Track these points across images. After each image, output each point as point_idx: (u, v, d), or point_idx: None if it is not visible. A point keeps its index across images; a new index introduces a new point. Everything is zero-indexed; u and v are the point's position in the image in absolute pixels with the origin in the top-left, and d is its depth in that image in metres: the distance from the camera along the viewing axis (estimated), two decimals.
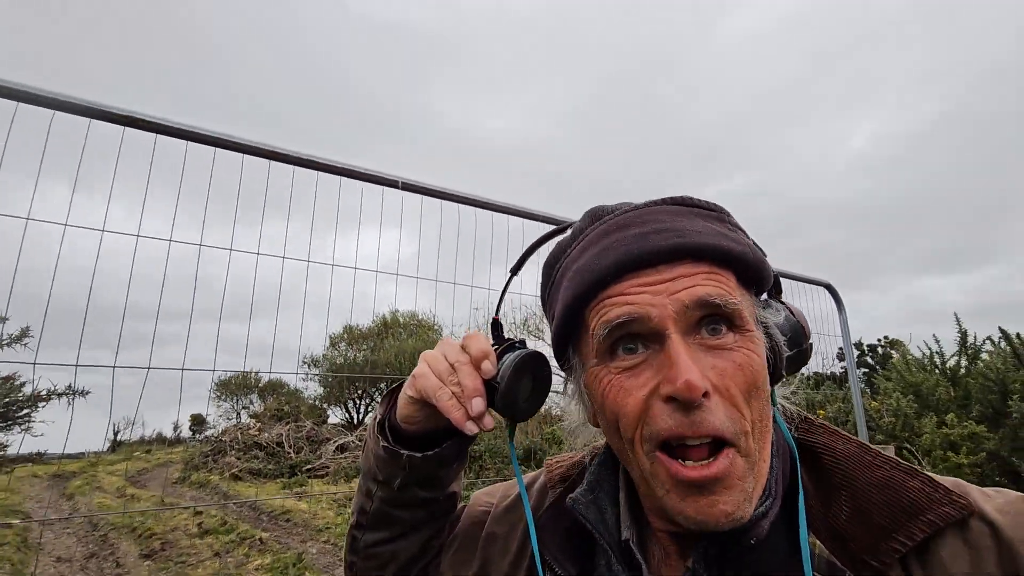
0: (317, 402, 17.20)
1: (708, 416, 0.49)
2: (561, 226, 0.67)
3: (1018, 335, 4.32)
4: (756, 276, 0.57)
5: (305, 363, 16.82)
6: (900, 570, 0.48)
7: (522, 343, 0.66)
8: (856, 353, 11.01)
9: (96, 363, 1.50)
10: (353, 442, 12.28)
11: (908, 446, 3.36)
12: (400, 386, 0.69)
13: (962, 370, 4.10)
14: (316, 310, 2.08)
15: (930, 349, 4.38)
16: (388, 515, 0.70)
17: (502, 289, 0.74)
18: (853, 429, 3.15)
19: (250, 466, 11.09)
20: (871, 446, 0.58)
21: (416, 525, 0.72)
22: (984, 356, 4.41)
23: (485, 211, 2.16)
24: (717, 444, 0.50)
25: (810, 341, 0.63)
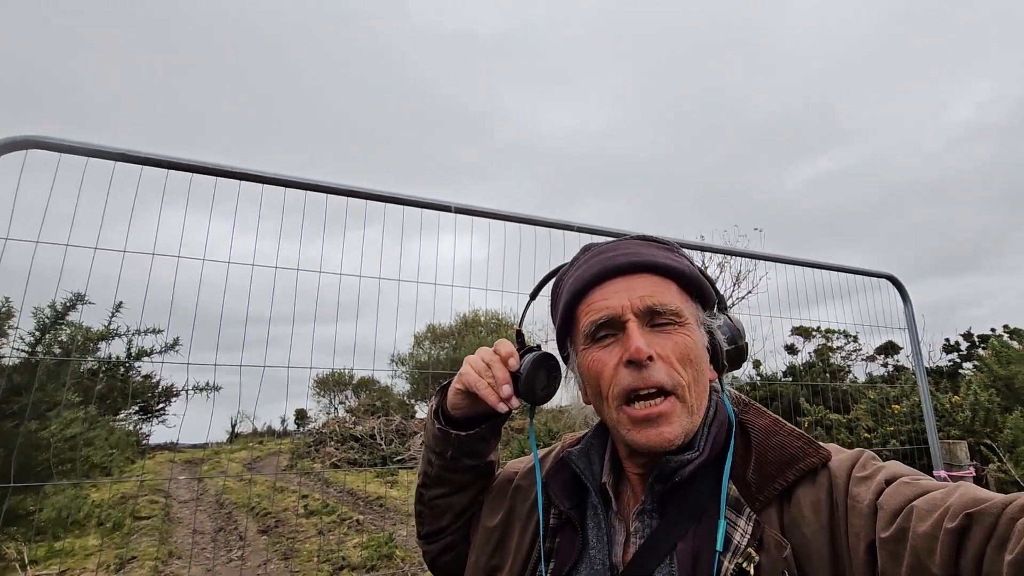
0: (405, 398, 18.28)
1: (653, 373, 0.71)
2: (562, 265, 0.91)
3: None
4: (696, 288, 0.78)
5: (393, 361, 17.98)
6: (777, 504, 0.68)
7: (538, 347, 0.88)
8: (966, 345, 10.05)
9: (227, 363, 1.92)
10: None
11: (988, 441, 3.17)
12: (450, 383, 0.90)
13: None
14: (402, 314, 2.34)
15: None
16: (443, 477, 0.92)
17: (524, 308, 0.99)
18: (922, 424, 3.06)
19: (347, 456, 12.09)
20: (783, 421, 0.77)
21: (464, 485, 0.93)
22: None
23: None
24: (662, 394, 0.72)
25: (744, 341, 0.83)
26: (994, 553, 0.49)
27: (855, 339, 11.37)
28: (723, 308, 0.84)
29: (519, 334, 0.94)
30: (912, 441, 3.54)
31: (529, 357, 0.84)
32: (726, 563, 0.65)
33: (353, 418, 14.75)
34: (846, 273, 3.31)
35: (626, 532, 0.77)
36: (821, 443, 0.72)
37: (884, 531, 0.57)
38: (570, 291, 0.80)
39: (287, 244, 2.10)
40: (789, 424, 0.76)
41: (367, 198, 2.07)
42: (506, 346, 0.86)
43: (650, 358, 0.71)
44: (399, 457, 11.84)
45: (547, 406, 0.93)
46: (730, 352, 0.80)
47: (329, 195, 2.12)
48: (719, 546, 0.66)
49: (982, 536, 0.50)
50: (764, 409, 0.81)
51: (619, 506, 0.80)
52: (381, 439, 12.74)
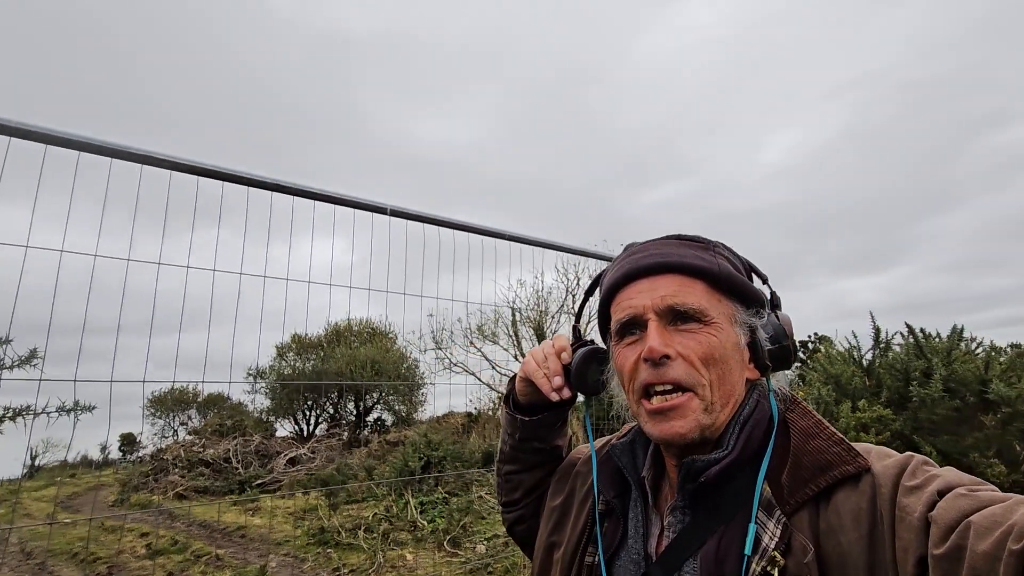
0: (263, 415, 16.68)
1: (669, 371, 0.72)
2: (604, 269, 0.91)
3: (922, 329, 4.93)
4: (729, 287, 0.77)
5: (250, 375, 16.29)
6: (811, 507, 0.67)
7: (591, 342, 0.92)
8: None
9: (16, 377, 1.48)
10: (305, 454, 12.01)
11: None
12: None
13: (876, 362, 4.66)
14: (259, 321, 1.98)
15: (849, 344, 4.96)
16: (515, 455, 1.02)
17: (579, 305, 1.03)
18: None
19: (196, 484, 10.66)
20: (826, 423, 0.75)
21: (533, 465, 1.03)
22: (896, 348, 5.00)
23: (433, 226, 2.21)
24: (679, 390, 0.73)
25: (791, 340, 0.79)
26: None
27: None
28: (777, 306, 0.83)
29: (575, 329, 0.98)
30: None
31: (581, 351, 0.89)
32: (753, 565, 0.65)
33: (201, 440, 13.07)
34: None
35: (661, 526, 0.78)
36: (860, 451, 0.69)
37: (937, 548, 0.54)
38: (604, 290, 0.84)
39: (115, 236, 1.63)
40: (831, 428, 0.74)
41: (295, 194, 1.85)
42: (561, 340, 0.93)
43: (667, 356, 0.72)
44: (260, 481, 10.72)
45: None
46: (773, 351, 0.77)
47: (224, 183, 1.84)
48: (748, 549, 0.66)
49: None
50: (810, 410, 0.79)
51: (657, 500, 0.82)
52: (238, 462, 11.45)
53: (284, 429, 16.59)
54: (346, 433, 14.56)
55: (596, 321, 0.91)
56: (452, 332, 12.82)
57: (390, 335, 16.79)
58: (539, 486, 1.04)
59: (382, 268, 2.09)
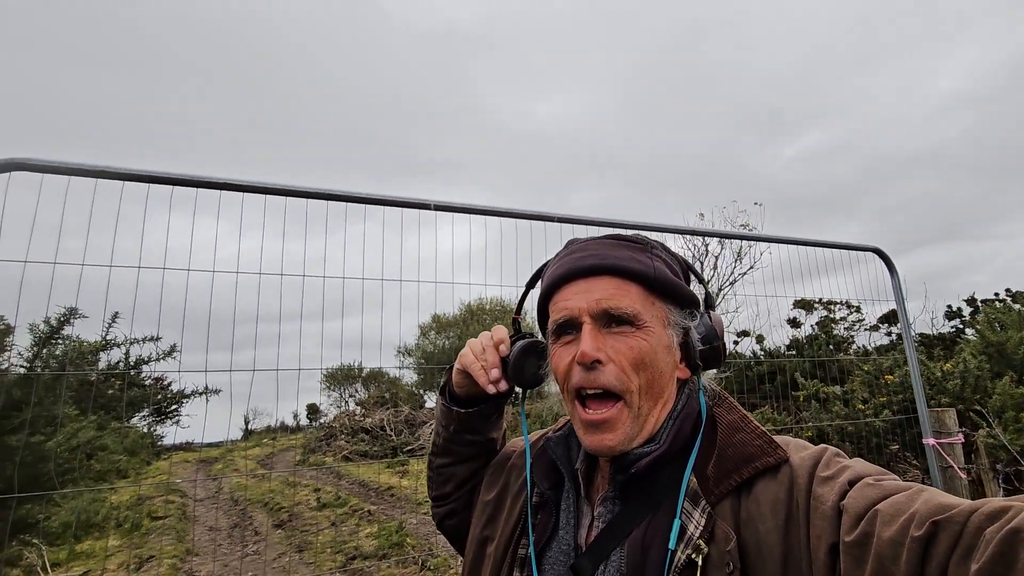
0: (414, 388, 18.48)
1: (600, 376, 0.73)
2: (546, 261, 0.94)
3: None
4: (664, 290, 0.78)
5: (400, 352, 18.12)
6: (734, 497, 0.69)
7: (531, 335, 0.92)
8: (969, 311, 10.02)
9: (237, 367, 1.98)
10: None
11: (978, 407, 3.18)
12: None
13: None
14: (407, 306, 2.41)
15: (1022, 305, 4.06)
16: (449, 448, 1.01)
17: (520, 297, 1.01)
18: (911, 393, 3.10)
19: (358, 448, 12.26)
20: (750, 418, 0.78)
21: (467, 457, 1.01)
22: None
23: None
24: (610, 395, 0.74)
25: (720, 341, 0.82)
26: (960, 562, 0.49)
27: (857, 309, 11.37)
28: (711, 306, 0.85)
29: (515, 321, 0.98)
30: (904, 410, 3.57)
31: (519, 344, 0.88)
32: (678, 553, 0.67)
33: (363, 411, 14.92)
34: (835, 248, 3.32)
35: (592, 516, 0.80)
36: (780, 443, 0.72)
37: (848, 535, 0.57)
38: (543, 288, 0.84)
39: (287, 246, 2.15)
40: (755, 422, 0.77)
41: (347, 200, 2.10)
42: (500, 332, 0.92)
43: (599, 361, 0.73)
44: (409, 447, 11.99)
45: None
46: (704, 351, 0.80)
47: (309, 199, 2.15)
48: (672, 537, 0.68)
49: (948, 545, 0.50)
50: (736, 404, 0.82)
51: (589, 490, 0.83)
52: (391, 430, 12.90)
53: (431, 401, 18.25)
54: None
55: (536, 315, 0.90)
56: None
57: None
58: (472, 479, 1.03)
59: (505, 255, 2.36)
